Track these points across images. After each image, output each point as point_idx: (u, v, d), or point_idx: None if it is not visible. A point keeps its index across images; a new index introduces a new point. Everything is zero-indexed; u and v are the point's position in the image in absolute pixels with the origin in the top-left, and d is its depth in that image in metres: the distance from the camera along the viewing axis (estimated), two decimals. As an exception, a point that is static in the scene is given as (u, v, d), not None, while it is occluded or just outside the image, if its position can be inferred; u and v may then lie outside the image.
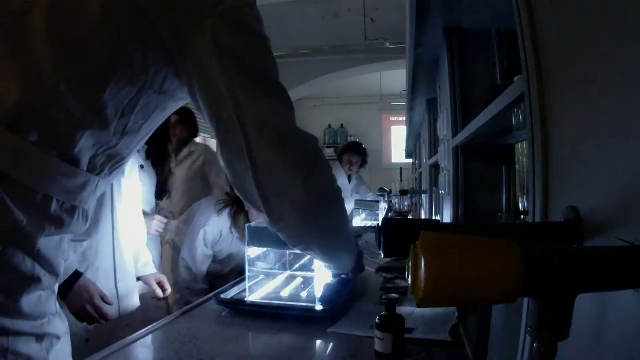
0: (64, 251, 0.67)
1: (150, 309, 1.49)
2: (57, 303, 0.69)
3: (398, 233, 0.49)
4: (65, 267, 1.05)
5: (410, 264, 0.34)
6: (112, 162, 0.69)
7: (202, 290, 1.84)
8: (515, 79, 0.63)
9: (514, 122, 0.80)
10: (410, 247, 0.34)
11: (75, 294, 1.08)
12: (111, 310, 1.16)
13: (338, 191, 0.77)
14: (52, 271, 0.64)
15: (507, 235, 0.45)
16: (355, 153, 3.65)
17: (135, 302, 1.37)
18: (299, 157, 0.68)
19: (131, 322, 1.31)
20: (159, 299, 1.50)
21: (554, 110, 0.50)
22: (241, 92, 0.64)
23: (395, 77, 6.38)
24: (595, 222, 0.41)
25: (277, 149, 0.66)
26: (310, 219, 0.71)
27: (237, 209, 1.77)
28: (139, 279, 1.47)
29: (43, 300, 0.63)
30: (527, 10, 0.55)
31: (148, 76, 0.64)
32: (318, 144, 0.74)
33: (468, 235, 0.33)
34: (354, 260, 0.95)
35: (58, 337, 0.66)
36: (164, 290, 1.51)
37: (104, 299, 1.14)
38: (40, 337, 0.62)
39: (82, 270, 1.18)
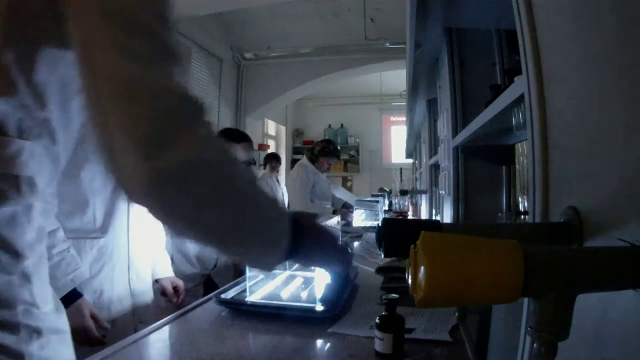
0: (23, 229, 0.62)
1: (165, 306, 1.51)
2: (43, 296, 0.66)
3: (398, 233, 0.49)
4: (74, 277, 1.06)
5: (410, 264, 0.34)
6: (39, 125, 0.63)
7: (192, 271, 1.89)
8: (515, 79, 0.63)
9: (514, 122, 0.80)
10: (410, 247, 0.34)
11: (69, 313, 1.08)
12: (103, 336, 1.13)
13: (220, 163, 0.55)
14: (11, 251, 0.60)
15: (507, 235, 0.45)
16: (336, 157, 3.35)
17: (149, 299, 1.38)
18: (148, 117, 0.50)
19: (145, 319, 1.32)
20: (174, 302, 1.52)
21: (554, 110, 0.50)
22: (99, 35, 0.52)
23: (395, 77, 6.38)
24: (595, 222, 0.41)
25: (120, 104, 0.50)
26: (166, 196, 0.52)
27: None
28: (156, 281, 1.49)
29: (14, 287, 0.60)
30: (527, 10, 0.55)
31: (40, 32, 0.60)
32: (196, 104, 0.54)
33: (468, 235, 0.33)
34: (283, 255, 0.64)
35: (38, 332, 0.63)
36: (178, 294, 1.53)
37: (98, 322, 1.12)
38: (13, 328, 0.60)
39: (97, 267, 1.19)
